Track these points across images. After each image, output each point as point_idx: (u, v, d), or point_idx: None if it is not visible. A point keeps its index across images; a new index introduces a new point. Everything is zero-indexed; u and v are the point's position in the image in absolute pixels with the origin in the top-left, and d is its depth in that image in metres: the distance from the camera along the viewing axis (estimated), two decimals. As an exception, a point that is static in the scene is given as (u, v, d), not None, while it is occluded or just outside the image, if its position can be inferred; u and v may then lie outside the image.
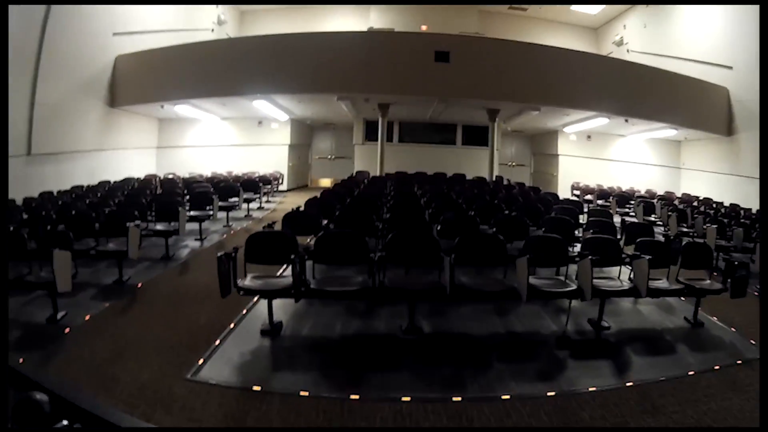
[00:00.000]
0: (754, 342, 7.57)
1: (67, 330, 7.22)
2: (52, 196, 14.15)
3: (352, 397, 5.60)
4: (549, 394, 5.85)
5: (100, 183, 16.72)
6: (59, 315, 7.56)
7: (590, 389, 5.99)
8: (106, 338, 6.97)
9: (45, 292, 7.58)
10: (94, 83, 18.55)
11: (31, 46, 15.08)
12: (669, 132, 22.65)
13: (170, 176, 20.22)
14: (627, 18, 27.80)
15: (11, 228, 8.68)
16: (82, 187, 15.84)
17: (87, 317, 7.71)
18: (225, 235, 14.22)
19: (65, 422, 1.63)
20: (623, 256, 8.85)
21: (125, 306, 8.47)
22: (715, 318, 8.57)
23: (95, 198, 13.95)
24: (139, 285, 9.50)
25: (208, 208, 14.11)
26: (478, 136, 24.81)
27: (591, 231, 10.19)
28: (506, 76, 17.81)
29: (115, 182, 17.14)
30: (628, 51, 26.71)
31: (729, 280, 8.16)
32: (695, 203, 19.35)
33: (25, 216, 10.90)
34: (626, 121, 20.76)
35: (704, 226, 13.66)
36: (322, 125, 28.91)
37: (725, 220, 14.27)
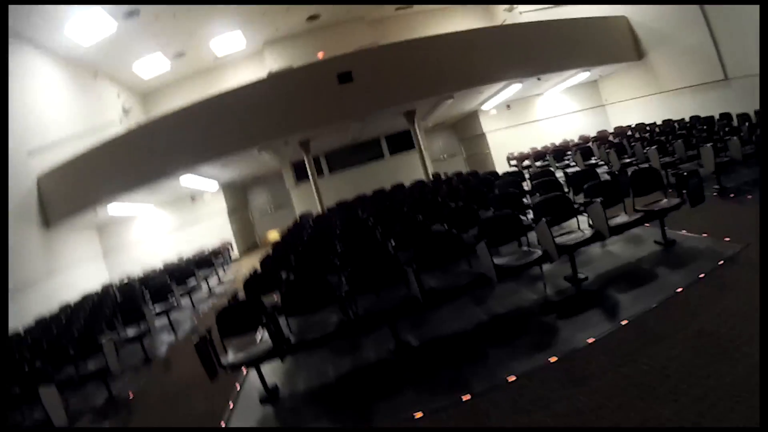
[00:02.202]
0: (728, 239, 7.72)
1: None
2: (20, 336, 13.90)
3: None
4: (551, 360, 5.87)
5: (60, 308, 16.40)
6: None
7: (588, 341, 6.03)
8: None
9: (45, 432, 7.48)
10: (23, 210, 18.35)
11: None
12: (583, 75, 22.96)
13: (125, 280, 19.86)
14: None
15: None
16: (45, 318, 15.50)
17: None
18: (196, 321, 14.02)
19: None
20: (576, 206, 8.92)
21: (125, 422, 8.29)
22: (684, 231, 8.67)
23: (60, 324, 13.75)
24: (131, 396, 9.34)
25: (170, 298, 14.05)
26: (403, 142, 25.03)
27: (537, 194, 10.26)
28: (411, 75, 17.92)
29: (74, 303, 16.84)
30: (520, 13, 26.89)
31: (684, 192, 8.21)
32: (629, 133, 19.49)
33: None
34: (538, 79, 21.01)
35: (644, 151, 13.79)
36: (252, 181, 28.91)
37: (662, 138, 14.42)
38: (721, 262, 7.06)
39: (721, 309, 5.67)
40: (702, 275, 6.85)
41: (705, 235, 8.24)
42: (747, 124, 13.16)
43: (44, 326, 14.41)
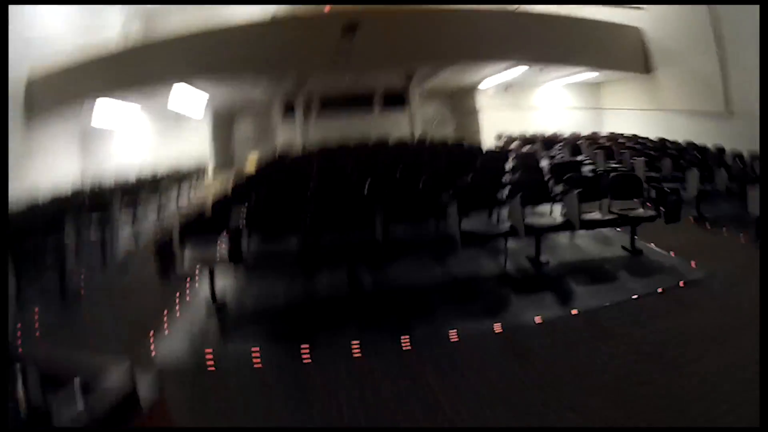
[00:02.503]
0: (694, 264, 7.73)
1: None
2: None
3: (306, 361, 5.60)
4: (496, 330, 5.92)
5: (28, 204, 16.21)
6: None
7: (537, 320, 6.08)
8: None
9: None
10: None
11: None
12: (587, 75, 22.90)
13: (97, 183, 19.38)
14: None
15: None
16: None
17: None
18: (159, 231, 13.89)
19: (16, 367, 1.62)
20: (553, 194, 8.93)
21: (71, 313, 8.19)
22: (652, 244, 8.71)
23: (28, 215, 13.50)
24: (81, 292, 9.18)
25: (138, 207, 14.13)
26: (396, 100, 24.89)
27: (518, 174, 10.28)
28: (416, 39, 17.76)
29: (43, 199, 16.66)
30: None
31: (662, 207, 8.25)
32: (621, 140, 19.45)
33: None
34: (541, 69, 20.91)
35: (631, 160, 13.82)
36: (240, 109, 28.35)
37: (653, 153, 14.44)
38: (682, 283, 7.07)
39: (672, 325, 5.69)
40: (660, 290, 6.87)
41: (672, 253, 8.27)
42: (738, 161, 13.19)
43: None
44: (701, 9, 16.77)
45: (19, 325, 7.31)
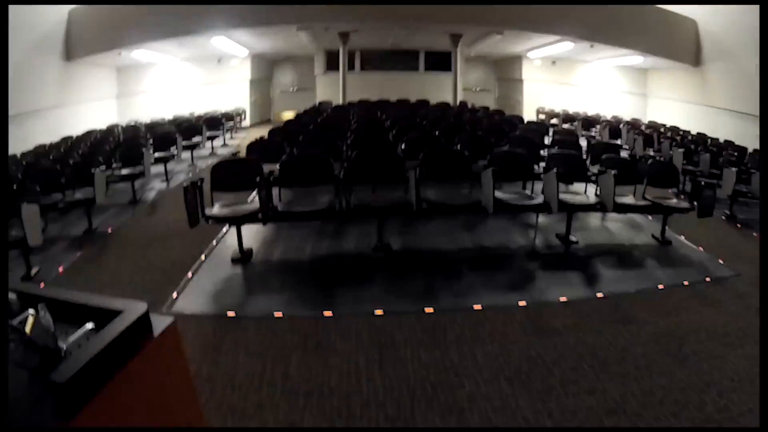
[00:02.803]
0: (722, 261, 7.63)
1: (41, 285, 7.03)
2: (15, 158, 13.82)
3: (326, 314, 5.66)
4: (521, 303, 5.94)
5: (62, 139, 16.40)
6: (33, 271, 7.43)
7: (561, 299, 6.08)
8: (80, 286, 6.79)
9: (17, 251, 7.47)
10: (48, 39, 18.02)
11: None
12: (636, 59, 22.56)
13: (132, 124, 19.94)
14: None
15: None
16: (44, 145, 15.49)
17: (60, 269, 7.59)
18: (191, 173, 14.16)
19: (30, 311, 1.64)
20: (589, 174, 8.89)
21: (97, 253, 8.33)
22: (682, 237, 8.61)
23: (59, 153, 13.69)
24: (109, 230, 9.39)
25: (172, 148, 13.99)
26: (441, 62, 24.78)
27: (556, 148, 10.22)
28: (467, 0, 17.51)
29: (77, 136, 16.83)
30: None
31: (696, 201, 8.19)
32: (662, 130, 19.31)
33: None
34: (591, 46, 20.61)
35: (670, 150, 13.69)
36: (282, 58, 28.46)
37: (692, 147, 14.31)
38: (708, 278, 6.99)
39: (695, 320, 5.64)
40: (686, 283, 6.80)
41: (701, 248, 8.16)
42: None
43: (42, 153, 14.41)
44: (754, 9, 16.51)
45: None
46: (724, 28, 18.79)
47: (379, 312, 5.64)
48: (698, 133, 18.21)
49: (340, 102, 20.12)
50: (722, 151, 14.05)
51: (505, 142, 10.58)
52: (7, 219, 7.16)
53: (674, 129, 19.39)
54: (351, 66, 23.57)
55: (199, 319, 5.65)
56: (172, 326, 1.93)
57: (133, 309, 1.82)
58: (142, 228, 9.63)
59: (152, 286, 6.69)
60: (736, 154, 13.87)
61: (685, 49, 20.32)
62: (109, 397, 1.58)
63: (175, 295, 6.32)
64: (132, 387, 1.71)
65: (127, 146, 12.57)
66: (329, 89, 23.93)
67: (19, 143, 14.90)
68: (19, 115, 15.96)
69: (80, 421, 1.46)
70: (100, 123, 19.60)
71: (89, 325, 1.72)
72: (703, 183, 8.32)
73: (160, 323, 1.91)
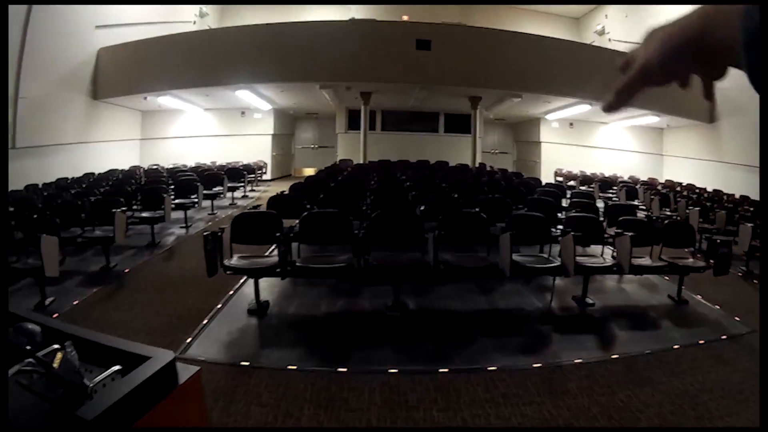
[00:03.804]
0: (738, 318, 7.63)
1: (55, 315, 7.08)
2: (37, 188, 14.08)
3: (340, 369, 5.67)
4: (535, 365, 5.93)
5: (84, 175, 16.68)
6: (47, 301, 7.52)
7: (576, 361, 6.06)
8: (92, 323, 6.91)
9: (33, 279, 7.56)
10: (76, 76, 18.49)
11: (13, 41, 14.87)
12: (651, 119, 22.74)
13: (154, 167, 20.19)
14: (609, 8, 27.66)
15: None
16: (66, 179, 15.78)
17: (75, 303, 7.68)
18: (210, 222, 14.27)
19: (56, 345, 1.68)
20: (606, 236, 8.91)
21: (112, 291, 8.42)
22: (699, 296, 8.60)
23: (80, 188, 13.84)
24: (126, 271, 9.49)
25: (192, 196, 14.10)
26: (460, 124, 24.90)
27: (573, 211, 10.25)
28: (487, 63, 17.82)
29: (99, 174, 17.08)
30: (609, 40, 26.70)
31: (712, 260, 8.19)
32: (678, 188, 19.33)
33: (11, 209, 10.59)
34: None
35: (687, 209, 13.72)
36: (304, 115, 28.95)
37: (708, 204, 14.34)
38: (724, 336, 6.99)
39: (710, 379, 5.62)
40: (702, 341, 6.79)
41: (717, 306, 8.16)
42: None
43: (63, 186, 14.62)
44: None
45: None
46: (736, 84, 18.77)
47: (393, 370, 5.65)
48: (714, 190, 18.24)
49: (361, 160, 20.27)
50: (738, 207, 14.08)
51: (523, 205, 10.67)
52: (9, 236, 7.28)
53: (690, 187, 19.47)
54: (372, 125, 23.76)
55: (212, 366, 5.68)
56: (197, 375, 1.98)
57: (160, 356, 1.87)
58: (159, 271, 9.74)
59: (165, 330, 6.77)
60: (752, 209, 13.89)
61: (700, 107, 20.31)
62: (132, 439, 1.60)
63: (188, 340, 6.39)
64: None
65: (148, 189, 12.75)
66: (350, 147, 24.08)
67: (41, 175, 15.26)
68: (42, 147, 16.25)
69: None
70: (122, 163, 20.15)
71: (116, 367, 1.76)
72: (718, 241, 8.34)
73: (185, 372, 1.95)
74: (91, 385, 1.64)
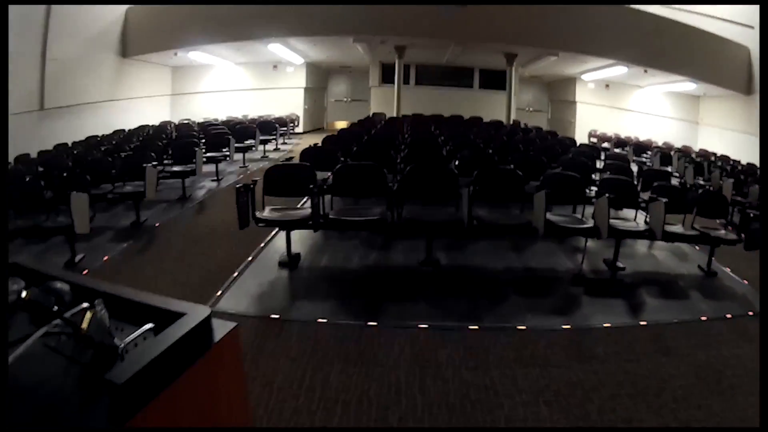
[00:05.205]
0: (767, 295, 7.59)
1: (85, 272, 7.24)
2: (67, 147, 14.16)
3: (370, 323, 5.72)
4: (564, 327, 5.96)
5: (114, 132, 16.77)
6: (77, 258, 7.63)
7: (605, 325, 6.07)
8: (123, 278, 6.98)
9: (63, 237, 7.67)
10: (105, 36, 18.57)
11: (38, 7, 15.02)
12: (688, 86, 22.24)
13: (185, 122, 20.28)
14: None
15: (27, 179, 8.53)
16: (96, 136, 15.83)
17: (105, 259, 7.81)
18: (241, 176, 14.31)
19: (85, 304, 1.67)
20: (639, 200, 8.85)
21: (143, 246, 8.56)
22: (728, 269, 8.49)
23: (110, 145, 13.90)
24: (157, 225, 9.61)
25: (224, 149, 14.17)
26: (495, 80, 24.59)
27: (608, 173, 10.20)
28: (525, 20, 17.56)
29: (129, 130, 17.22)
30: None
31: (743, 233, 8.15)
32: (713, 158, 19.14)
33: (40, 169, 10.71)
34: (645, 71, 20.54)
35: (720, 180, 13.59)
36: (337, 68, 28.70)
37: (742, 177, 14.20)
38: (751, 312, 6.91)
39: (734, 354, 5.58)
40: (729, 316, 6.73)
41: (746, 282, 8.04)
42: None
43: (93, 144, 14.71)
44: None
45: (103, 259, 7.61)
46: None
47: (423, 325, 5.69)
48: (748, 164, 18.01)
49: (394, 115, 20.22)
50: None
51: (558, 164, 10.55)
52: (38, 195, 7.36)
53: (725, 158, 19.15)
54: (406, 80, 23.67)
55: (242, 319, 5.69)
56: (234, 332, 1.95)
57: (195, 312, 1.84)
58: (190, 225, 9.86)
59: (196, 283, 6.87)
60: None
61: (737, 77, 20.03)
62: (165, 402, 1.60)
63: (219, 293, 6.46)
64: (188, 394, 1.74)
65: (179, 143, 12.79)
66: (383, 101, 23.94)
67: (71, 134, 15.31)
68: (71, 107, 16.34)
69: (132, 425, 1.47)
70: (152, 119, 20.08)
71: (149, 326, 1.74)
72: (751, 215, 8.26)
73: (221, 328, 1.92)
74: (122, 345, 1.63)
